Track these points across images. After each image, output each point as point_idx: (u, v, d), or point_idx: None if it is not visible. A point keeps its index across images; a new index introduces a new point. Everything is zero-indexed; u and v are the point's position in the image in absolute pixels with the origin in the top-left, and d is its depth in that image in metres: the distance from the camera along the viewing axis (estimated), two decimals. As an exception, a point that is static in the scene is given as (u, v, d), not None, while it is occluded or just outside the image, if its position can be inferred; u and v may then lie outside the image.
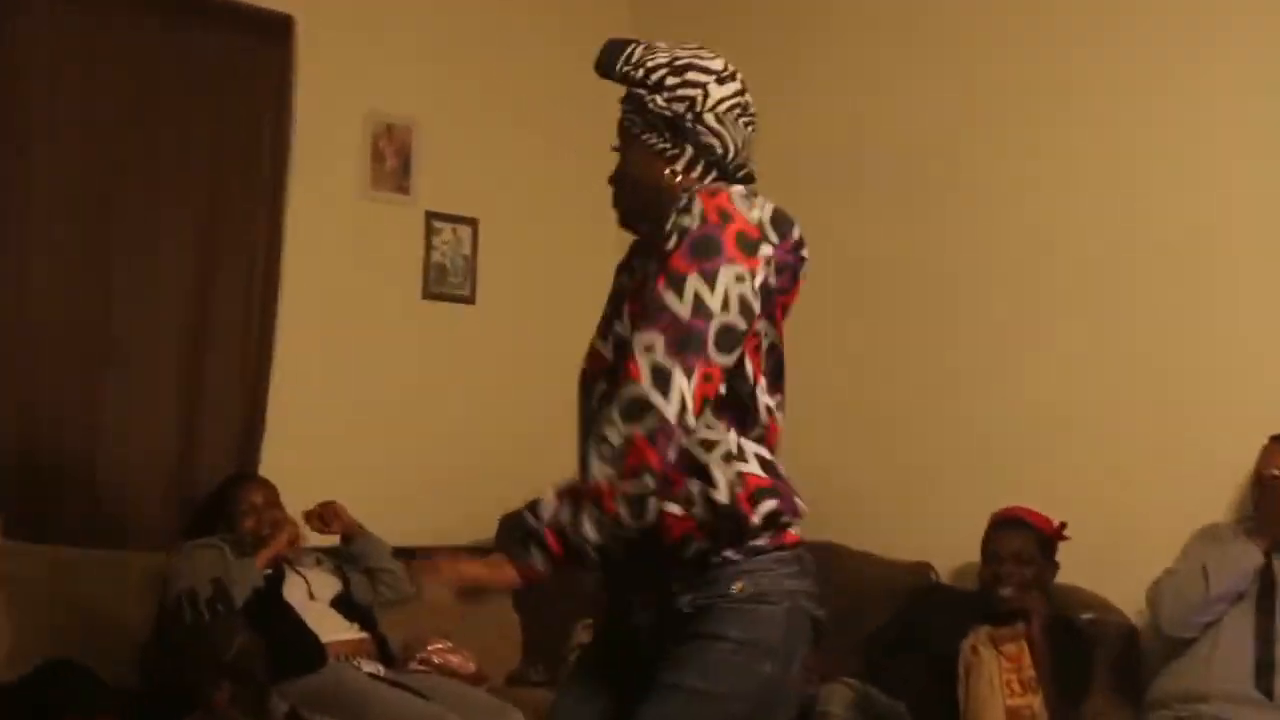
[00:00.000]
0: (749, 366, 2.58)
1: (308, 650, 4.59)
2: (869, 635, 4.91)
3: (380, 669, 4.65)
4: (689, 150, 2.67)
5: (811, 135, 5.77)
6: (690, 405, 2.41)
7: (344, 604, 4.87)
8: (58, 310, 4.80)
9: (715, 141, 2.67)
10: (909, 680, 4.54)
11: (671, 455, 2.42)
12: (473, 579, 2.57)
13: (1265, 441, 4.47)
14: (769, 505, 2.56)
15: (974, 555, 4.87)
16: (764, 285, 2.54)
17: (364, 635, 4.80)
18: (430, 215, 5.73)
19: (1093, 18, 5.15)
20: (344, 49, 5.47)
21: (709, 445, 2.53)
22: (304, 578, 4.85)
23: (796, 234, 2.64)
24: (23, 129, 4.73)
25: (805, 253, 2.67)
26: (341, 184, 5.52)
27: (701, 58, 2.69)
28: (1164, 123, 4.97)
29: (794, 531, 2.65)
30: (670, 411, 2.40)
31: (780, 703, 2.58)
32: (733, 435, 2.56)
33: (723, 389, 2.51)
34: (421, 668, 4.82)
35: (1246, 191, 4.79)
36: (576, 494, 2.43)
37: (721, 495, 2.52)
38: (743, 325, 2.50)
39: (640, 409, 2.40)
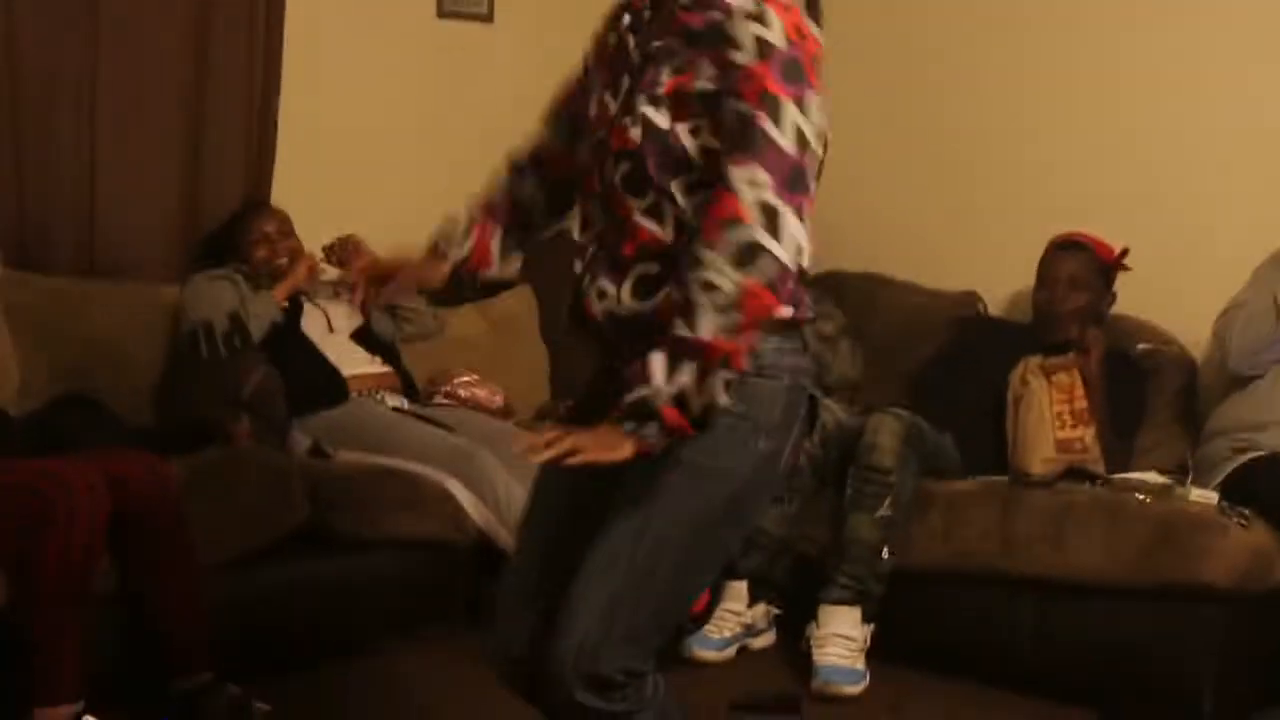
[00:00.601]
0: None
1: (328, 383, 4.55)
2: (914, 370, 4.83)
3: (404, 403, 4.61)
4: None
5: None
6: (805, 246, 2.32)
7: (365, 337, 4.80)
8: (43, 54, 4.62)
9: None
10: (957, 412, 4.46)
11: (790, 298, 2.38)
12: (589, 459, 2.36)
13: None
14: (786, 310, 2.42)
15: (1024, 284, 4.80)
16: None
17: (386, 369, 4.75)
18: (447, -75, 5.52)
19: None
20: None
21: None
22: (323, 310, 4.78)
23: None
24: None
25: None
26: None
27: None
28: None
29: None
30: (787, 256, 2.30)
31: (770, 480, 2.54)
32: None
33: None
34: (447, 401, 4.77)
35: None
36: (698, 354, 2.30)
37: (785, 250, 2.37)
38: (821, 155, 2.40)
39: (755, 253, 2.29)
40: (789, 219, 2.30)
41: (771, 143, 2.31)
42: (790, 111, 2.32)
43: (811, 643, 4.06)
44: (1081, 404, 4.33)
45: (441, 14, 5.52)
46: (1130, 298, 4.64)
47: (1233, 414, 4.35)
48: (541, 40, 5.59)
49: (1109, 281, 4.58)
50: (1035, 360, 4.40)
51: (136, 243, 4.81)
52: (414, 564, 4.12)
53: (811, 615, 4.11)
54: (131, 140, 4.77)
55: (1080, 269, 4.54)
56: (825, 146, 2.41)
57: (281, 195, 5.03)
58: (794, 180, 2.31)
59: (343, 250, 4.73)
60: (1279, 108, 4.63)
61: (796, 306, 2.46)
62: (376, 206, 5.08)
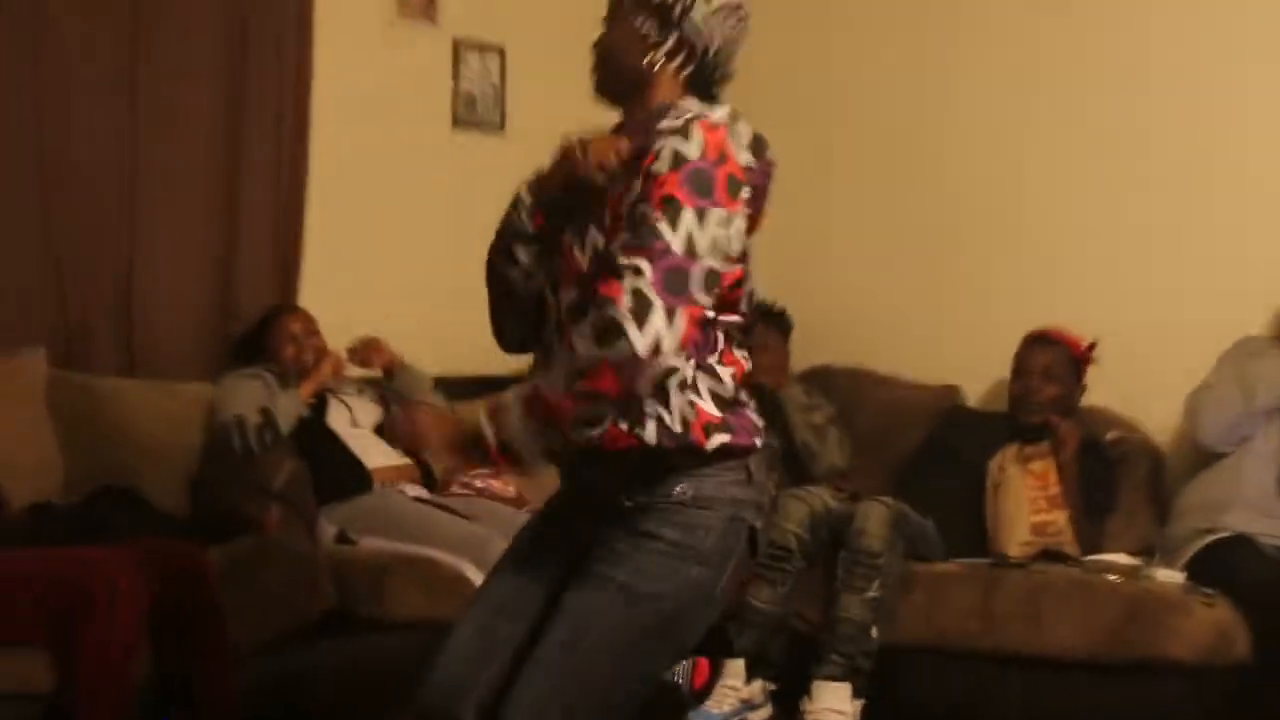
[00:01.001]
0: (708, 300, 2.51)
1: (353, 475, 4.64)
2: (899, 460, 4.98)
3: (424, 493, 4.69)
4: (671, 41, 2.58)
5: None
6: (665, 344, 2.32)
7: (386, 431, 4.88)
8: (84, 168, 4.70)
9: (699, 39, 2.58)
10: (939, 499, 4.61)
11: (641, 382, 2.37)
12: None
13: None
14: (721, 439, 2.50)
15: (1000, 376, 4.93)
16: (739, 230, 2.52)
17: (407, 461, 4.82)
18: (458, 43, 5.64)
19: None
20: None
21: (668, 372, 2.43)
22: (347, 405, 4.87)
23: (767, 154, 2.61)
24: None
25: (773, 168, 2.65)
26: (368, 10, 5.41)
27: None
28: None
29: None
30: (641, 346, 2.31)
31: (706, 605, 2.55)
32: (690, 368, 2.48)
33: None
34: (464, 491, 4.85)
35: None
36: (532, 399, 2.41)
37: (674, 423, 2.47)
38: (721, 269, 2.43)
39: (614, 334, 2.33)
40: (658, 315, 2.31)
41: (661, 240, 2.34)
42: (687, 218, 2.35)
43: (806, 717, 4.19)
44: (1055, 490, 4.51)
45: (456, 125, 5.64)
46: (1099, 389, 4.79)
47: (1199, 494, 4.50)
48: (550, 150, 5.72)
49: (1079, 374, 4.73)
50: (1013, 449, 4.57)
51: (172, 342, 4.90)
52: (431, 643, 4.18)
53: (805, 690, 4.23)
54: (167, 245, 4.86)
55: (1053, 361, 4.69)
56: (742, 261, 2.52)
57: (307, 298, 5.12)
58: (673, 281, 2.33)
59: (364, 350, 4.90)
60: (1232, 212, 4.81)
61: (735, 433, 2.49)
62: (396, 308, 5.18)
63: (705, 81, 2.63)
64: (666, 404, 2.45)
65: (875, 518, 4.32)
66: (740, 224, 2.48)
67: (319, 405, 4.78)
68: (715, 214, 2.40)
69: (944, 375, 5.27)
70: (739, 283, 2.57)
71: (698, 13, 2.56)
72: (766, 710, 4.48)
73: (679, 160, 2.40)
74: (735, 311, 2.59)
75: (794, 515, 4.49)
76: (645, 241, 2.36)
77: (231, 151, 5.03)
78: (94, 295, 4.75)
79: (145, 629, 3.50)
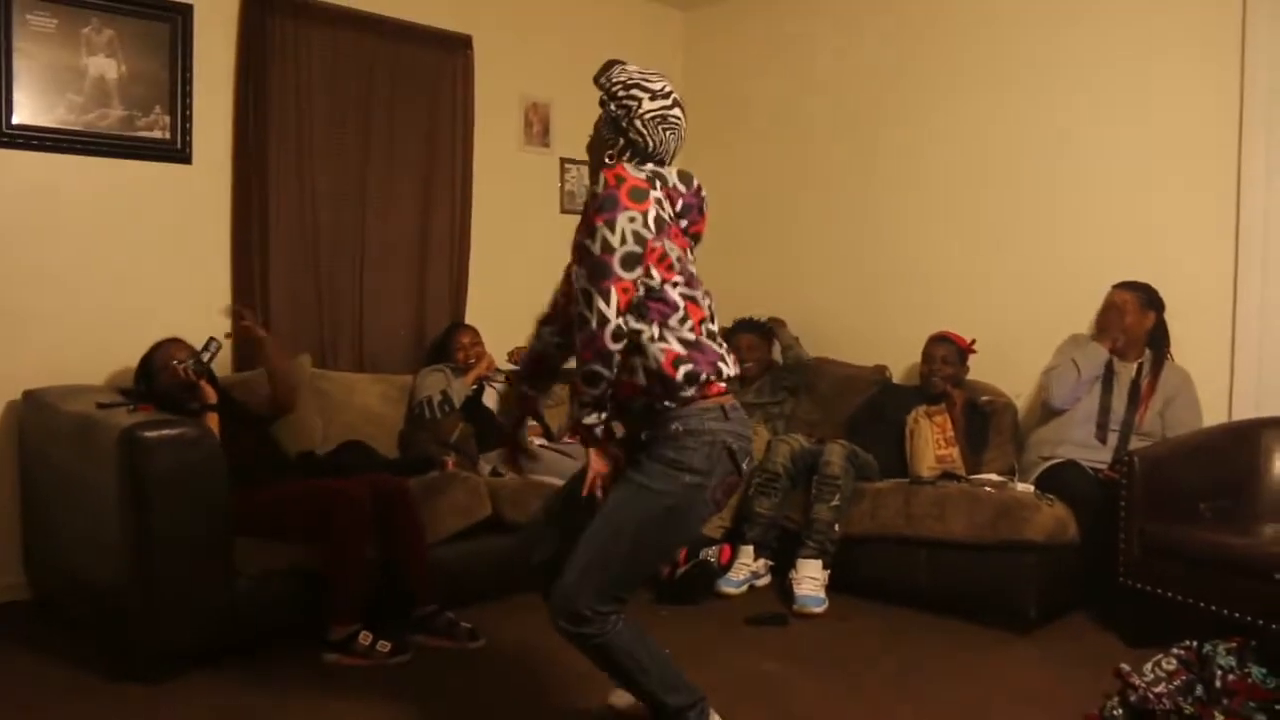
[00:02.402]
0: (656, 274, 2.48)
1: (500, 433, 4.52)
2: (849, 415, 4.81)
3: (546, 442, 4.54)
4: (621, 142, 2.56)
5: (835, 88, 5.48)
6: (610, 315, 2.39)
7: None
8: (333, 233, 4.66)
9: (639, 139, 2.55)
10: (875, 440, 4.46)
11: (603, 346, 2.40)
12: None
13: (1108, 288, 4.35)
14: (686, 368, 2.47)
15: (914, 361, 4.77)
16: (657, 218, 2.47)
17: (535, 423, 4.60)
18: (563, 160, 5.52)
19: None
20: (505, 54, 5.25)
21: (637, 334, 2.46)
22: (495, 390, 4.76)
23: (695, 184, 2.64)
24: (306, 105, 4.56)
25: (704, 194, 2.67)
26: (506, 142, 5.31)
27: (647, 80, 2.58)
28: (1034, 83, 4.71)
29: (720, 386, 2.56)
30: (593, 323, 2.39)
31: (698, 502, 2.53)
32: (655, 325, 2.47)
33: (641, 293, 2.46)
34: (570, 440, 4.64)
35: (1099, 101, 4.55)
36: (572, 389, 2.61)
37: (651, 364, 2.46)
38: (639, 250, 2.42)
39: (580, 322, 2.42)
40: (597, 299, 2.38)
41: (589, 252, 2.40)
42: (601, 231, 2.39)
43: (793, 581, 4.08)
44: (950, 434, 4.37)
45: (562, 211, 5.50)
46: (978, 369, 4.65)
47: (1040, 437, 4.34)
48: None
49: (965, 359, 4.60)
50: (922, 408, 4.43)
51: (386, 349, 4.83)
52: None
53: (792, 565, 4.12)
54: (383, 289, 4.81)
55: (948, 352, 4.57)
56: (645, 242, 2.42)
57: (471, 318, 5.04)
58: (599, 272, 2.38)
59: (519, 353, 4.84)
60: (1064, 250, 4.61)
61: (697, 363, 2.47)
62: (526, 327, 4.84)
63: (652, 162, 2.58)
64: (645, 354, 2.46)
65: (836, 453, 4.21)
66: (653, 214, 2.46)
67: (479, 389, 4.67)
68: (624, 216, 2.41)
69: (877, 359, 5.10)
70: (670, 258, 2.51)
71: (638, 121, 2.54)
72: (767, 578, 4.36)
73: (593, 199, 2.45)
74: (683, 278, 2.54)
75: (781, 452, 4.37)
76: (581, 256, 2.44)
77: (423, 228, 4.97)
78: (338, 321, 4.73)
79: (369, 529, 3.49)
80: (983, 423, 4.49)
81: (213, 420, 3.54)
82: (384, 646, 3.37)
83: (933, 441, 4.33)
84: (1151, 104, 4.36)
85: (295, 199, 4.51)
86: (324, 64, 4.55)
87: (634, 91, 2.55)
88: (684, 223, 2.61)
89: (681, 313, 2.50)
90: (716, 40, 5.85)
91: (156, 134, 4.17)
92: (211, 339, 3.70)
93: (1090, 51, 4.52)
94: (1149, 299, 4.26)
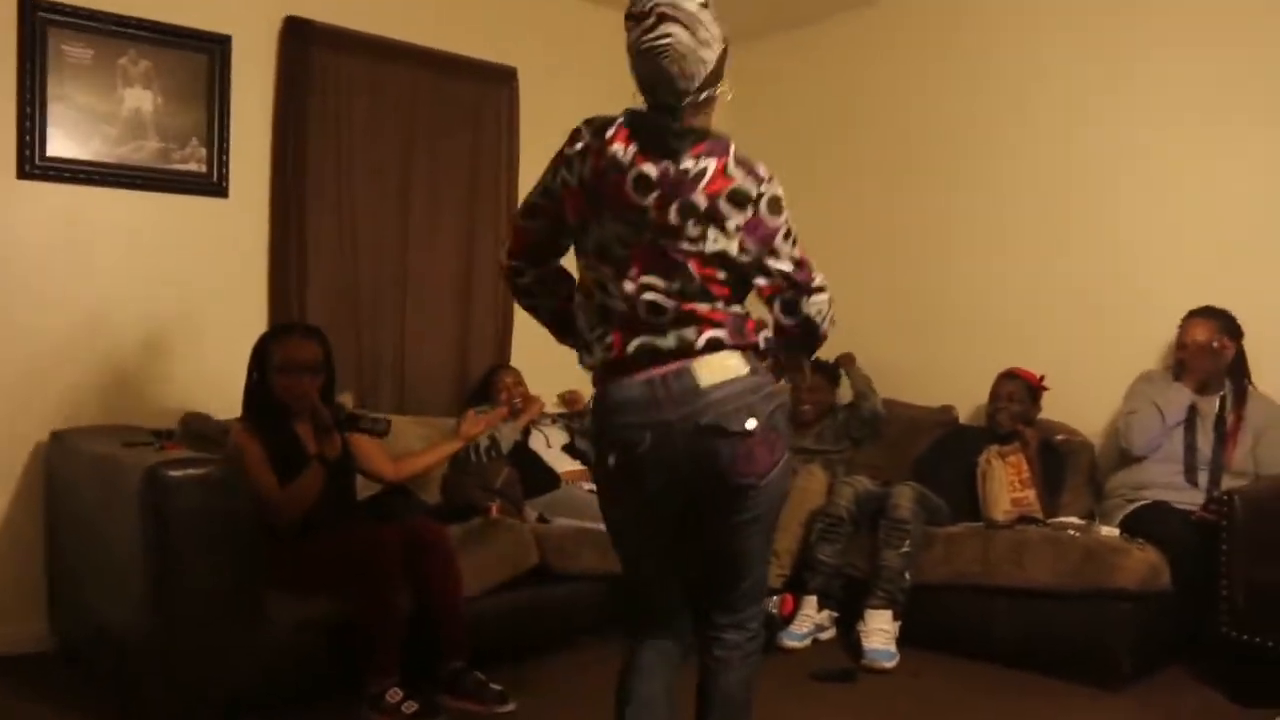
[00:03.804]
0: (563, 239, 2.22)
1: (548, 478, 4.34)
2: (915, 458, 4.56)
3: (595, 488, 4.31)
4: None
5: (891, 118, 5.26)
6: (502, 254, 2.30)
7: (570, 449, 4.57)
8: (374, 270, 4.51)
9: (634, 74, 2.09)
10: (945, 485, 4.18)
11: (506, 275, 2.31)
12: None
13: (1180, 319, 4.05)
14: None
15: (981, 401, 4.52)
16: (563, 179, 2.12)
17: (584, 468, 4.46)
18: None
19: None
20: (549, 88, 5.07)
21: (507, 268, 2.31)
22: (544, 434, 4.56)
23: (683, 156, 2.03)
24: (345, 138, 4.41)
25: (696, 172, 2.02)
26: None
27: (632, 5, 2.06)
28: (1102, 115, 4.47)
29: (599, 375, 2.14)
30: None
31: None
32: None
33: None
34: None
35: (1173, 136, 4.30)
36: None
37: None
38: (538, 201, 2.19)
39: None
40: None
41: None
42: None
43: (861, 634, 3.80)
44: (1026, 475, 4.08)
45: None
46: (1050, 407, 4.39)
47: (1123, 479, 4.04)
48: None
49: (1035, 397, 4.35)
50: (994, 449, 4.14)
51: (428, 389, 4.66)
52: (601, 590, 3.86)
53: (859, 616, 3.85)
54: (426, 323, 4.64)
55: (1016, 390, 4.33)
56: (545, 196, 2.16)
57: (516, 359, 4.86)
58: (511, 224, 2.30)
59: (570, 396, 4.69)
60: (1134, 286, 4.37)
61: (591, 370, 2.17)
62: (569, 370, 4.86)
63: (648, 102, 2.11)
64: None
65: (905, 496, 3.95)
66: (548, 177, 2.17)
67: (526, 433, 4.48)
68: (544, 172, 2.19)
69: (943, 400, 4.85)
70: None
71: (629, 59, 2.11)
72: (832, 631, 4.08)
73: None
74: (589, 258, 2.15)
75: (844, 495, 4.12)
76: None
77: (466, 266, 4.82)
78: (379, 361, 4.57)
79: (401, 578, 3.25)
80: (1059, 463, 4.22)
81: (317, 473, 3.32)
82: (410, 707, 3.10)
83: (1008, 483, 4.04)
84: (1221, 123, 4.13)
85: (334, 235, 4.35)
86: (365, 97, 4.41)
87: (627, 24, 2.07)
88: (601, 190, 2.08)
89: (575, 281, 2.22)
90: (762, 73, 5.68)
91: (193, 167, 4.02)
92: (386, 420, 3.49)
93: (1159, 73, 4.30)
94: (1228, 327, 3.97)
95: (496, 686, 3.27)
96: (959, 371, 4.81)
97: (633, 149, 2.05)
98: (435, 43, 4.61)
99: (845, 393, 4.88)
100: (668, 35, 1.99)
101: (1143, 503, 3.87)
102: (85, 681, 3.39)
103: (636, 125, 2.06)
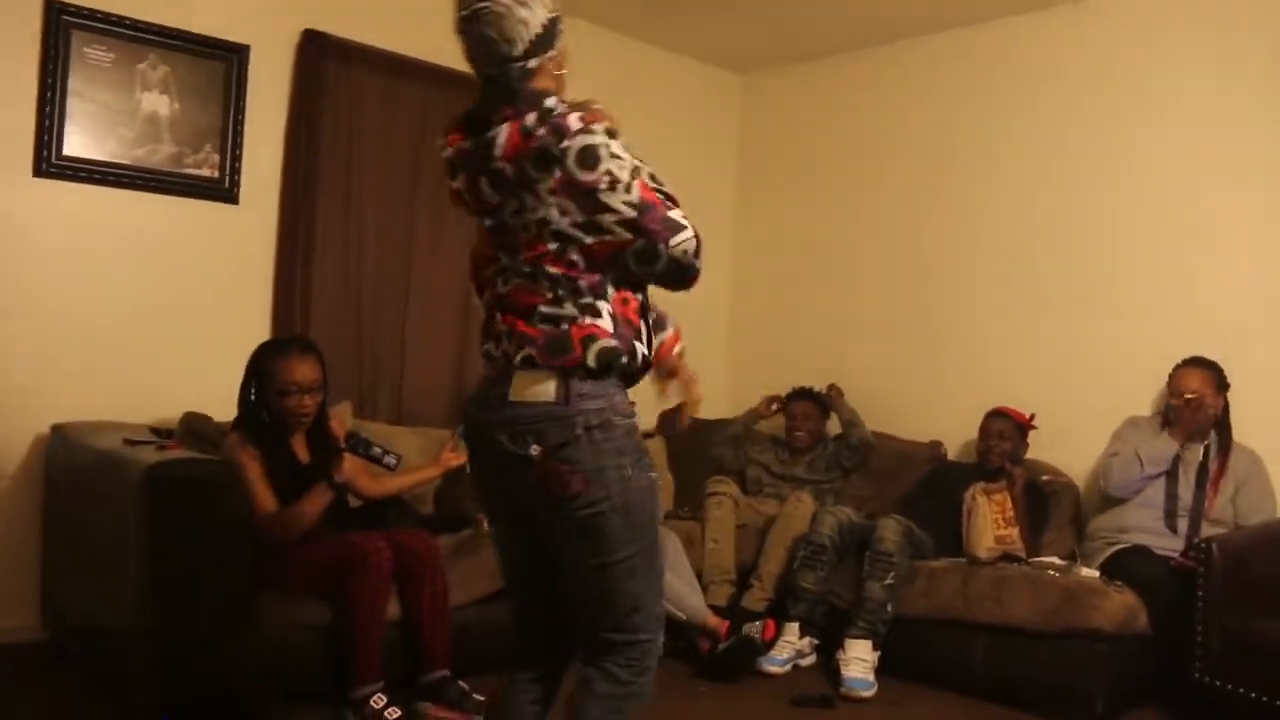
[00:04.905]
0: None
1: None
2: (902, 493, 4.57)
3: None
4: None
5: (891, 155, 5.33)
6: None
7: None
8: (377, 281, 4.53)
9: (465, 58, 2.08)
10: (930, 519, 4.19)
11: None
12: None
13: (1171, 368, 4.09)
14: None
15: (970, 437, 4.57)
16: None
17: None
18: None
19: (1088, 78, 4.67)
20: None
21: None
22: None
23: (493, 129, 1.99)
24: (356, 151, 4.45)
25: (497, 145, 1.97)
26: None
27: None
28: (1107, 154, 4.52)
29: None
30: None
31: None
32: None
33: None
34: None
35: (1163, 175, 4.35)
36: None
37: None
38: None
39: None
40: None
41: None
42: None
43: (840, 662, 3.82)
44: (1010, 513, 4.10)
45: None
46: (1036, 447, 4.43)
47: (1104, 523, 4.08)
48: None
49: (1024, 435, 4.39)
50: (980, 485, 4.15)
51: (426, 401, 4.66)
52: None
53: (839, 645, 3.87)
54: (426, 336, 4.64)
55: (1005, 428, 4.37)
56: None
57: None
58: None
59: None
60: (1125, 331, 4.42)
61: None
62: None
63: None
64: None
65: (891, 529, 3.97)
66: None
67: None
68: None
69: (932, 435, 4.88)
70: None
71: None
72: (813, 658, 4.09)
73: None
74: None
75: (827, 524, 4.14)
76: None
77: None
78: (379, 370, 4.58)
79: (389, 586, 3.28)
80: (1043, 503, 4.25)
81: (324, 495, 3.33)
82: (393, 713, 3.12)
83: (992, 521, 4.06)
84: (1216, 171, 4.19)
85: (340, 244, 4.39)
86: (376, 110, 4.46)
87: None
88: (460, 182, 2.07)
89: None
90: (773, 104, 5.75)
91: (205, 172, 4.07)
92: (397, 456, 3.47)
93: (1152, 119, 4.37)
94: (1219, 380, 4.02)
95: (479, 697, 3.28)
96: (948, 407, 4.84)
97: (451, 134, 2.04)
98: (448, 60, 4.63)
99: (834, 425, 4.94)
100: (475, 9, 1.97)
101: (1123, 546, 3.90)
102: (73, 673, 3.40)
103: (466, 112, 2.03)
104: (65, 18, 3.73)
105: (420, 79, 4.54)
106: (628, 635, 2.03)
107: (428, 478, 3.91)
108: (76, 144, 3.79)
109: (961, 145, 4.97)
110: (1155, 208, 4.36)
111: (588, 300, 1.96)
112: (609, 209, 1.92)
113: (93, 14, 3.79)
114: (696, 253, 1.99)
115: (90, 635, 3.35)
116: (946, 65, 5.05)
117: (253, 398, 3.41)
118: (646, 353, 2.04)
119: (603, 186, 1.91)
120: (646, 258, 1.95)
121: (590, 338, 1.95)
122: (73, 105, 3.77)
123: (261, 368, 3.43)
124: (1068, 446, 4.43)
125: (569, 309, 1.95)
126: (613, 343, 1.96)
